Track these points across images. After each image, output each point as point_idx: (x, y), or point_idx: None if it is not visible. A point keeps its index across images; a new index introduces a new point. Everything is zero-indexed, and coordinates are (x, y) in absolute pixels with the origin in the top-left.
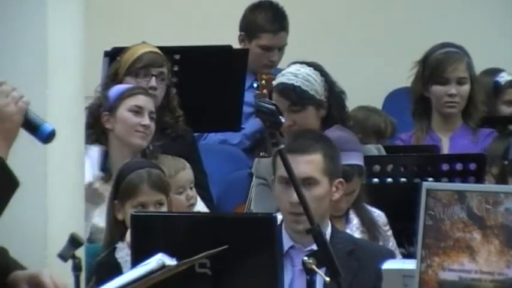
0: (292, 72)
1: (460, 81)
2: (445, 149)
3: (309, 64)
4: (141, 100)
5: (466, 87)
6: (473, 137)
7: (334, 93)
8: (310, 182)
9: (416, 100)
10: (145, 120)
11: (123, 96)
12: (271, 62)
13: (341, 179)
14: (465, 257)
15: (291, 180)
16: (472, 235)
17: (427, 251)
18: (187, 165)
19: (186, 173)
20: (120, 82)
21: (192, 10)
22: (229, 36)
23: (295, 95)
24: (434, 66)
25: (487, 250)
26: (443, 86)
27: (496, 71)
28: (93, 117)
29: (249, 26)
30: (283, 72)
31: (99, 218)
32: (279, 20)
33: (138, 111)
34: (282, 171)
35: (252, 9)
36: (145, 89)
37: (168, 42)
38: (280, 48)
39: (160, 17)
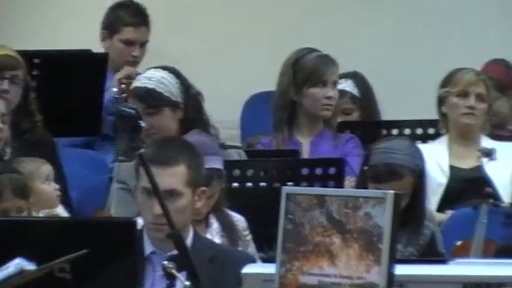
0: (147, 76)
1: (334, 85)
2: (306, 154)
3: (164, 68)
4: None
5: (337, 91)
6: (334, 141)
7: (190, 95)
8: (173, 194)
9: (284, 104)
10: None
11: None
12: (133, 58)
13: (204, 188)
14: (325, 261)
15: (154, 191)
16: (331, 239)
17: (287, 255)
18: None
19: (48, 167)
20: None
21: (58, 14)
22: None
23: (149, 98)
24: (312, 69)
25: (347, 254)
26: (321, 89)
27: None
28: None
29: (110, 22)
30: (138, 77)
31: None
32: (140, 15)
33: None
34: (144, 182)
35: (113, 8)
36: None
37: (34, 46)
38: (142, 44)
39: (26, 21)
